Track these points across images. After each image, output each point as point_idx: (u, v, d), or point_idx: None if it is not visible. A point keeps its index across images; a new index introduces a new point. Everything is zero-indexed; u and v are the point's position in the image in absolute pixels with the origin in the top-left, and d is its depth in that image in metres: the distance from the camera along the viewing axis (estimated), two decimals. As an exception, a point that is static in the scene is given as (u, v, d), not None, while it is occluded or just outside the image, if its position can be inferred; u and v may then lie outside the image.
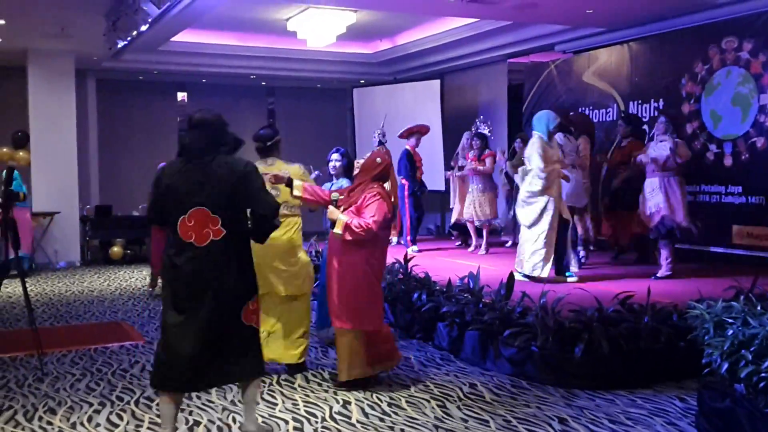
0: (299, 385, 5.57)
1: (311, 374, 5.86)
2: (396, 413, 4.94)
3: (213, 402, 5.17)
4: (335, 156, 6.46)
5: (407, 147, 11.01)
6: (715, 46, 9.24)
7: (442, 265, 9.08)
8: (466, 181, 10.86)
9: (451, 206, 11.72)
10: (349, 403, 5.14)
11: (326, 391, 5.41)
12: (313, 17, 10.61)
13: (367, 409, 5.01)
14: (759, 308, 4.53)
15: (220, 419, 4.85)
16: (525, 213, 7.79)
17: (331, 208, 5.36)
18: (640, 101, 10.35)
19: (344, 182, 6.22)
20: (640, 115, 10.26)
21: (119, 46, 10.88)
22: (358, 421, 4.78)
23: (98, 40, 11.08)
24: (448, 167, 12.02)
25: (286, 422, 4.76)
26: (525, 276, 7.76)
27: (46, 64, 12.47)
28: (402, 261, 8.08)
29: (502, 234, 11.78)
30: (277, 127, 16.54)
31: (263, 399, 5.20)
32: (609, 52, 10.94)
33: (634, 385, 5.44)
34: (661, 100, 10.03)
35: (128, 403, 5.23)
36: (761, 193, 8.73)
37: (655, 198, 8.14)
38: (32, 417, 4.96)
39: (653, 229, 8.20)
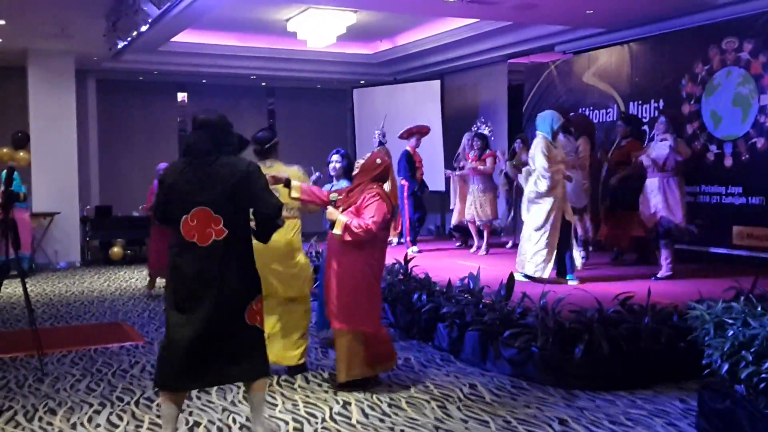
0: (299, 386, 5.57)
1: (311, 375, 5.86)
2: (396, 414, 4.93)
3: (213, 402, 5.17)
4: (335, 157, 6.45)
5: (408, 148, 11.01)
6: (716, 47, 9.25)
7: (442, 265, 9.07)
8: (466, 181, 10.86)
9: (451, 207, 11.73)
10: (349, 403, 5.14)
11: (326, 392, 5.41)
12: (313, 18, 10.61)
13: (367, 410, 5.01)
14: (759, 309, 4.53)
15: (220, 420, 4.84)
16: (532, 214, 7.74)
17: (330, 208, 5.35)
18: (640, 102, 10.35)
19: (344, 183, 6.21)
20: (640, 115, 10.26)
21: (119, 46, 10.88)
22: (358, 422, 4.77)
23: (98, 41, 11.09)
24: (448, 167, 12.02)
25: (286, 423, 4.76)
26: (525, 276, 7.76)
27: (46, 65, 12.48)
28: (402, 261, 8.08)
29: (502, 235, 11.77)
30: (277, 128, 16.67)
31: (263, 400, 5.19)
32: (609, 52, 10.94)
33: (634, 385, 5.43)
34: (661, 100, 10.03)
35: (128, 403, 5.23)
36: (761, 194, 8.74)
37: (654, 198, 8.14)
38: (32, 417, 4.95)
39: (652, 230, 8.21)
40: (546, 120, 7.86)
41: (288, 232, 5.62)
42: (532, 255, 7.73)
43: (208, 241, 3.90)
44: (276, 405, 5.10)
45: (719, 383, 4.29)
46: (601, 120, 10.90)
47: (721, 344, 4.29)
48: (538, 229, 7.68)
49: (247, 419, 4.84)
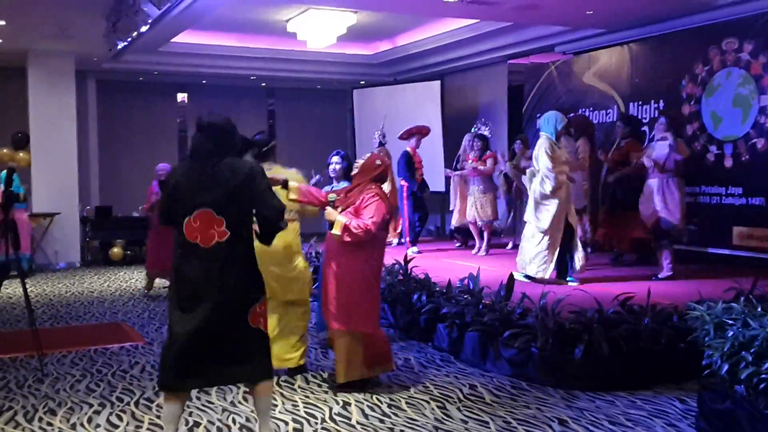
0: (299, 386, 5.57)
1: (311, 375, 5.86)
2: (396, 414, 4.93)
3: (213, 403, 5.17)
4: (335, 159, 6.44)
5: (408, 148, 11.01)
6: (716, 48, 9.25)
7: (441, 266, 9.08)
8: (466, 181, 10.87)
9: (451, 208, 11.73)
10: (349, 404, 5.14)
11: (326, 393, 5.41)
12: (313, 18, 10.61)
13: (367, 411, 5.01)
14: (759, 310, 4.53)
15: (219, 420, 4.84)
16: (541, 217, 7.69)
17: (328, 209, 5.34)
18: (640, 102, 10.35)
19: (345, 185, 6.20)
20: (640, 116, 10.26)
21: (119, 47, 10.88)
22: (357, 423, 4.77)
23: (98, 41, 11.09)
24: (448, 168, 12.01)
25: (286, 423, 4.76)
26: (526, 276, 7.75)
27: (46, 65, 12.48)
28: (402, 262, 8.08)
29: (502, 235, 11.77)
30: (277, 128, 16.68)
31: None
32: (609, 53, 10.94)
33: (634, 386, 5.43)
34: (661, 101, 10.03)
35: (128, 404, 5.23)
36: (761, 195, 8.74)
37: (653, 199, 8.15)
38: (32, 418, 4.95)
39: (651, 231, 8.21)
40: (550, 120, 7.84)
41: (287, 235, 5.60)
42: (534, 256, 7.72)
43: (211, 243, 3.89)
44: (276, 405, 5.10)
45: (719, 384, 4.29)
46: (601, 120, 10.90)
47: (721, 345, 4.29)
48: (542, 230, 7.67)
49: (247, 419, 4.84)
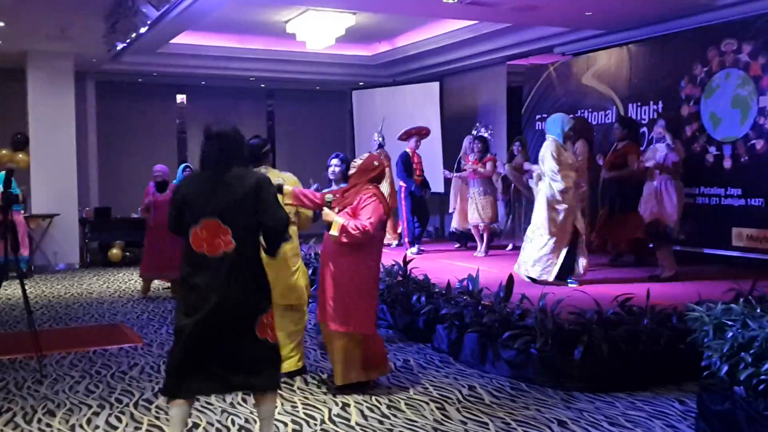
0: (298, 388, 5.57)
1: (310, 376, 5.85)
2: (395, 416, 4.93)
3: (212, 404, 5.16)
4: (335, 161, 6.43)
5: (407, 149, 11.02)
6: (715, 49, 9.25)
7: (441, 267, 9.08)
8: (467, 183, 10.89)
9: (450, 210, 11.74)
10: (348, 405, 5.14)
11: (325, 394, 5.40)
12: (312, 19, 10.62)
13: (366, 412, 5.00)
14: (758, 311, 4.53)
15: (219, 421, 4.84)
16: (548, 219, 7.61)
17: (326, 210, 5.32)
18: (639, 103, 10.35)
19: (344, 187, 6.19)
20: (639, 117, 10.27)
21: (118, 48, 10.90)
22: (357, 424, 4.77)
23: (97, 42, 11.10)
24: (447, 169, 12.00)
25: (285, 425, 4.76)
26: (528, 277, 7.74)
27: (45, 66, 12.47)
28: (401, 263, 8.08)
29: (501, 237, 11.77)
30: (276, 130, 16.69)
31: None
32: (608, 54, 10.94)
33: (633, 387, 5.43)
34: (660, 102, 10.04)
35: (127, 405, 5.22)
36: (761, 196, 8.74)
37: (651, 201, 8.15)
38: (31, 419, 4.95)
39: (649, 232, 8.22)
40: (557, 122, 7.80)
41: None
42: (538, 258, 7.69)
43: (217, 252, 3.87)
44: (275, 407, 5.09)
45: (718, 385, 4.29)
46: (600, 122, 10.90)
47: (720, 346, 4.29)
48: (548, 233, 7.63)
49: (246, 421, 4.84)
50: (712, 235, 9.26)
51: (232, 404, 5.16)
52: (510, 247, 11.16)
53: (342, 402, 5.20)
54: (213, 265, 3.87)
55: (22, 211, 11.79)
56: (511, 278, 6.63)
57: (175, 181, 10.29)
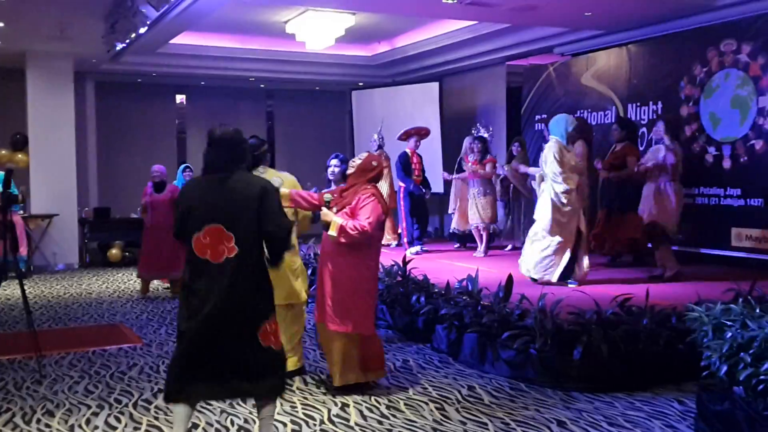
0: (297, 388, 5.56)
1: (309, 377, 5.85)
2: (394, 416, 4.93)
3: (211, 404, 5.15)
4: (334, 162, 6.44)
5: (407, 149, 11.01)
6: (714, 49, 9.26)
7: (440, 267, 9.08)
8: (467, 184, 10.90)
9: (450, 211, 11.74)
10: (348, 405, 5.14)
11: (324, 394, 5.40)
12: (311, 20, 10.61)
13: (366, 412, 5.00)
14: (758, 311, 4.53)
15: (218, 422, 4.84)
16: (552, 219, 7.60)
17: (324, 210, 5.31)
18: (638, 104, 10.35)
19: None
20: (638, 117, 10.27)
21: (118, 48, 10.89)
22: (356, 424, 4.77)
23: (97, 43, 11.09)
24: (446, 170, 12.00)
25: (285, 425, 4.76)
26: (531, 278, 7.72)
27: (44, 67, 12.47)
28: (400, 263, 8.07)
29: (501, 238, 11.77)
30: (276, 130, 16.68)
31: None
32: (608, 54, 10.94)
33: (632, 387, 5.43)
34: (659, 102, 10.04)
35: (126, 405, 5.22)
36: (760, 196, 8.74)
37: (650, 202, 8.15)
38: (30, 419, 4.95)
39: (648, 232, 8.22)
40: (560, 123, 7.77)
41: None
42: (541, 259, 7.68)
43: (221, 259, 3.86)
44: (275, 407, 5.08)
45: (718, 385, 4.29)
46: (599, 122, 10.90)
47: (719, 346, 4.29)
48: (552, 234, 7.61)
49: (246, 421, 4.84)
50: (711, 235, 9.26)
51: (231, 404, 5.16)
52: (509, 247, 11.16)
53: (341, 402, 5.20)
54: (216, 271, 3.85)
55: (21, 212, 11.80)
56: (510, 278, 6.63)
57: (175, 182, 10.30)
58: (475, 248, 10.76)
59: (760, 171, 8.72)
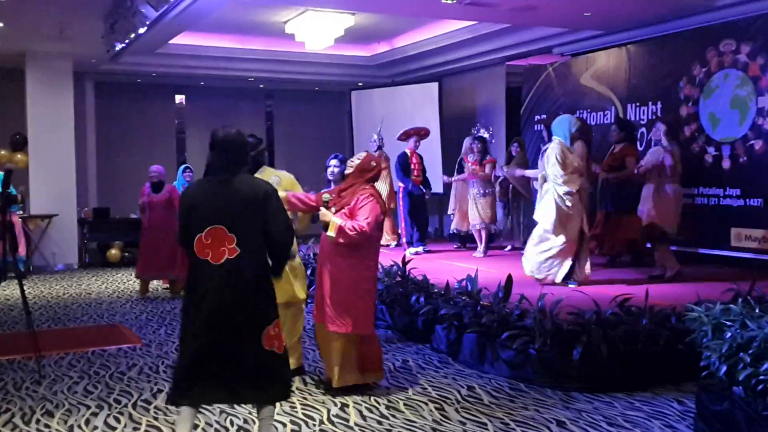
0: (297, 388, 5.56)
1: (309, 377, 5.85)
2: (394, 416, 4.93)
3: (211, 405, 5.15)
4: (334, 162, 6.43)
5: (406, 150, 11.01)
6: (713, 49, 9.26)
7: (440, 267, 9.08)
8: (466, 184, 10.90)
9: (449, 211, 11.74)
10: (347, 406, 5.13)
11: (324, 394, 5.40)
12: (311, 20, 10.61)
13: (365, 412, 5.00)
14: (757, 311, 4.53)
15: (217, 422, 4.84)
16: (559, 222, 7.59)
17: (323, 210, 5.31)
18: (638, 104, 10.36)
19: None
20: (638, 117, 10.27)
21: (117, 48, 10.88)
22: (356, 424, 4.77)
23: (96, 43, 11.09)
24: (446, 170, 12.01)
25: (284, 425, 4.75)
26: (537, 279, 7.72)
27: (44, 67, 12.46)
28: (400, 263, 8.07)
29: (501, 238, 11.77)
30: (276, 130, 16.67)
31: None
32: (607, 54, 10.95)
33: (632, 387, 5.43)
34: (659, 102, 10.04)
35: (126, 405, 5.22)
36: (759, 196, 8.75)
37: (648, 203, 8.15)
38: (30, 420, 4.94)
39: (646, 233, 8.22)
40: (563, 123, 7.74)
41: None
42: (545, 259, 7.67)
43: (221, 260, 3.86)
44: (274, 407, 5.08)
45: (717, 385, 4.29)
46: (598, 122, 10.90)
47: (719, 346, 4.29)
48: (556, 234, 7.60)
49: (245, 421, 4.83)
50: (710, 235, 9.26)
51: (230, 405, 5.15)
52: (509, 247, 11.17)
53: (341, 402, 5.20)
54: (215, 272, 3.85)
55: (20, 212, 11.80)
56: (509, 279, 6.63)
57: (175, 183, 10.29)
58: (474, 249, 10.76)
59: (760, 171, 8.72)
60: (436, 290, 7.25)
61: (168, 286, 10.16)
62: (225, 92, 15.58)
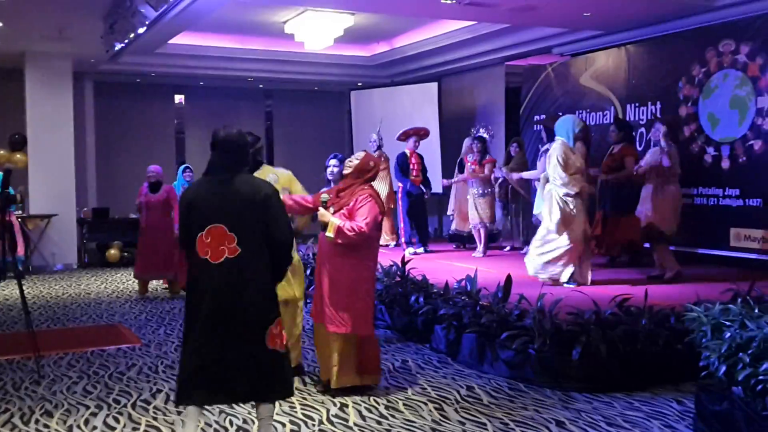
0: (296, 388, 5.54)
1: (308, 377, 5.84)
2: (393, 416, 4.93)
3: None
4: (333, 162, 6.43)
5: (406, 150, 11.01)
6: (713, 49, 9.26)
7: (439, 267, 9.08)
8: (466, 185, 10.91)
9: (449, 212, 11.74)
10: (346, 406, 5.13)
11: (323, 394, 5.39)
12: (310, 20, 10.61)
13: (365, 412, 5.00)
14: (756, 311, 4.53)
15: (217, 422, 4.84)
16: (563, 223, 7.57)
17: (321, 210, 5.29)
18: (637, 104, 10.36)
19: None
20: (637, 118, 10.28)
21: (116, 48, 10.88)
22: (355, 424, 4.77)
23: (96, 43, 11.09)
24: (445, 170, 12.01)
25: (284, 425, 4.75)
26: (544, 279, 7.71)
27: (43, 67, 12.46)
28: (399, 263, 8.07)
29: (501, 239, 11.77)
30: (275, 130, 16.67)
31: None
32: (606, 55, 10.95)
33: (631, 387, 5.43)
34: (658, 102, 10.04)
35: (125, 406, 5.22)
36: (759, 196, 8.75)
37: (647, 203, 8.15)
38: (29, 420, 4.94)
39: (645, 234, 8.22)
40: (567, 123, 7.72)
41: None
42: (549, 260, 7.66)
43: (221, 259, 3.86)
44: (274, 407, 5.08)
45: (716, 385, 4.29)
46: (598, 122, 10.91)
47: (718, 346, 4.29)
48: (560, 233, 7.59)
49: (244, 421, 4.83)
50: (710, 235, 9.26)
51: (230, 404, 5.15)
52: (508, 248, 11.17)
53: (340, 403, 5.19)
54: (214, 271, 3.85)
55: (20, 212, 11.79)
56: (509, 279, 6.62)
57: (174, 183, 10.29)
58: (474, 249, 10.76)
59: (759, 171, 8.72)
60: (435, 290, 7.25)
61: (167, 286, 10.16)
62: (224, 92, 15.58)
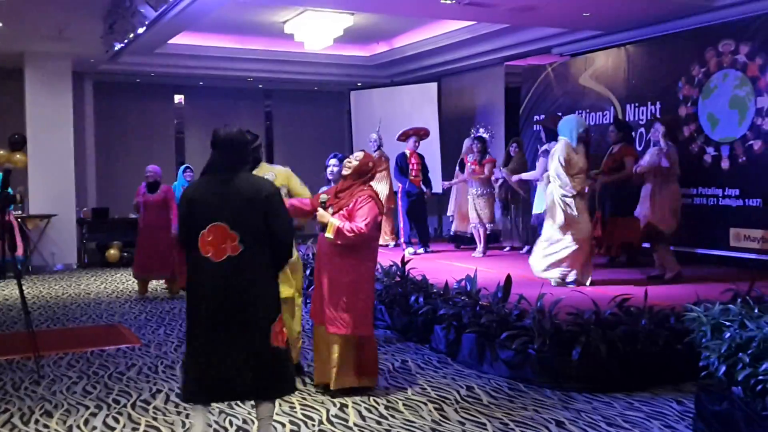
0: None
1: (308, 377, 5.84)
2: (393, 416, 4.93)
3: (210, 405, 5.14)
4: (333, 161, 6.44)
5: (406, 150, 11.01)
6: (712, 49, 9.26)
7: (439, 267, 9.07)
8: (466, 185, 10.91)
9: (449, 213, 11.73)
10: (346, 406, 5.13)
11: (323, 394, 5.39)
12: (310, 20, 10.62)
13: (364, 413, 5.00)
14: (756, 311, 4.53)
15: (216, 422, 4.83)
16: (567, 223, 7.56)
17: (321, 211, 5.28)
18: (637, 104, 10.36)
19: None
20: (637, 118, 10.27)
21: (116, 48, 10.88)
22: (355, 425, 4.77)
23: (95, 43, 11.09)
24: (445, 170, 12.01)
25: (283, 426, 4.75)
26: (552, 280, 7.71)
27: (43, 67, 12.46)
28: (399, 263, 8.07)
29: (501, 239, 11.77)
30: (274, 130, 16.68)
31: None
32: (606, 55, 10.95)
33: (631, 388, 5.43)
34: (658, 103, 10.04)
35: (125, 406, 5.22)
36: (758, 196, 8.75)
37: (645, 204, 8.15)
38: (29, 420, 4.94)
39: (644, 234, 8.22)
40: (570, 123, 7.72)
41: None
42: (554, 261, 7.66)
43: (222, 257, 3.86)
44: (273, 407, 5.08)
45: (716, 385, 4.29)
46: (597, 122, 10.91)
47: (718, 346, 4.29)
48: (564, 233, 7.59)
49: (244, 421, 4.83)
50: (709, 235, 9.27)
51: (229, 405, 5.15)
52: (508, 247, 11.17)
53: (340, 403, 5.19)
54: (216, 269, 3.85)
55: (19, 211, 11.78)
56: (509, 279, 6.62)
57: (175, 184, 10.29)
58: (473, 249, 10.76)
59: (759, 171, 8.73)
60: (435, 290, 7.25)
61: (167, 286, 10.16)
62: (224, 92, 15.58)
